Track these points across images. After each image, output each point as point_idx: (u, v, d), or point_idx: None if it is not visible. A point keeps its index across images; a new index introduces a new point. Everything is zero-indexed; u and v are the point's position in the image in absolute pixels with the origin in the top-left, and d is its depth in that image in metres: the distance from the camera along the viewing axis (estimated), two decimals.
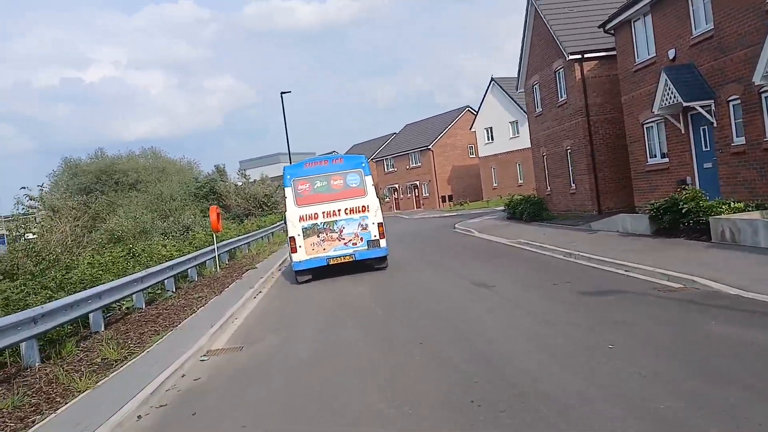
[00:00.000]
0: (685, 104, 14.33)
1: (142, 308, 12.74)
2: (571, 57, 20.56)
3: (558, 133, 23.33)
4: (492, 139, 48.67)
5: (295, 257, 14.74)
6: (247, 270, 18.33)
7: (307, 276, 14.87)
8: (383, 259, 15.19)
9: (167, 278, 14.72)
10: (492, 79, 47.41)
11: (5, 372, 8.37)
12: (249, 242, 26.15)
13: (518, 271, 12.53)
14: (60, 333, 9.89)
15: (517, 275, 12.04)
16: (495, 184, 48.53)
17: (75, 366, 8.29)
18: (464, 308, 9.48)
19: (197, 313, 11.70)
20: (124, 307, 12.51)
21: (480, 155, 51.13)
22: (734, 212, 12.19)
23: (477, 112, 51.52)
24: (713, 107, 14.09)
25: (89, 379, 7.36)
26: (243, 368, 7.71)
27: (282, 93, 36.67)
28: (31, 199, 23.14)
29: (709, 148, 14.79)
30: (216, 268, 19.08)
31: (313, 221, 14.74)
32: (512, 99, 43.64)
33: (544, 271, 12.13)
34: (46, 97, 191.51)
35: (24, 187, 23.79)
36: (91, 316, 10.56)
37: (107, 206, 32.14)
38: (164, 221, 31.30)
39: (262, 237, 29.97)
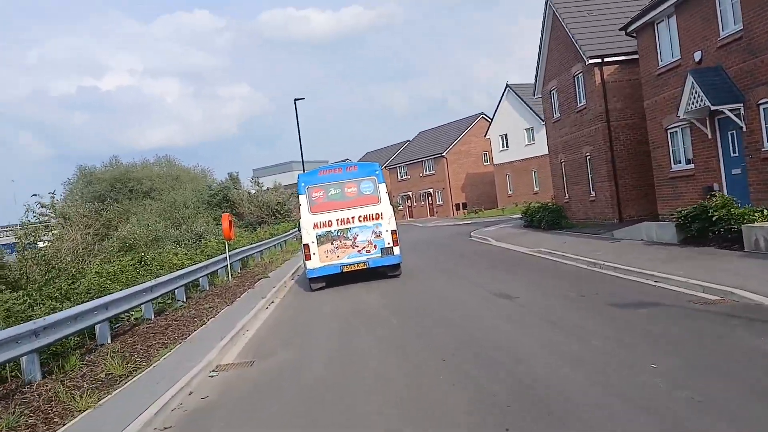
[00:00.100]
0: (712, 108, 13.80)
1: (151, 319, 12.36)
2: (591, 61, 20.07)
3: (577, 140, 22.80)
4: (507, 146, 48.18)
5: (309, 264, 14.64)
6: (259, 279, 17.96)
7: (321, 283, 14.78)
8: (397, 266, 15.06)
9: (178, 288, 14.36)
10: (507, 86, 47.02)
11: (5, 388, 7.96)
12: (261, 251, 25.81)
13: (541, 282, 11.99)
14: (65, 345, 9.49)
15: (541, 285, 11.51)
16: (510, 192, 47.94)
17: (77, 382, 7.89)
18: (487, 322, 8.97)
19: (207, 324, 11.30)
20: (132, 318, 12.13)
21: (495, 162, 50.60)
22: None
23: (492, 119, 51.06)
24: (742, 111, 13.53)
25: (90, 397, 6.95)
26: (254, 385, 7.29)
27: (295, 100, 36.47)
28: (42, 207, 22.89)
29: (737, 154, 14.21)
30: (228, 276, 18.72)
31: (327, 228, 14.62)
32: (528, 105, 43.17)
33: (569, 281, 11.58)
34: (63, 104, 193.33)
35: (35, 194, 23.49)
36: (97, 327, 10.15)
37: (120, 214, 31.97)
38: (177, 229, 31.10)
39: (274, 245, 29.64)
